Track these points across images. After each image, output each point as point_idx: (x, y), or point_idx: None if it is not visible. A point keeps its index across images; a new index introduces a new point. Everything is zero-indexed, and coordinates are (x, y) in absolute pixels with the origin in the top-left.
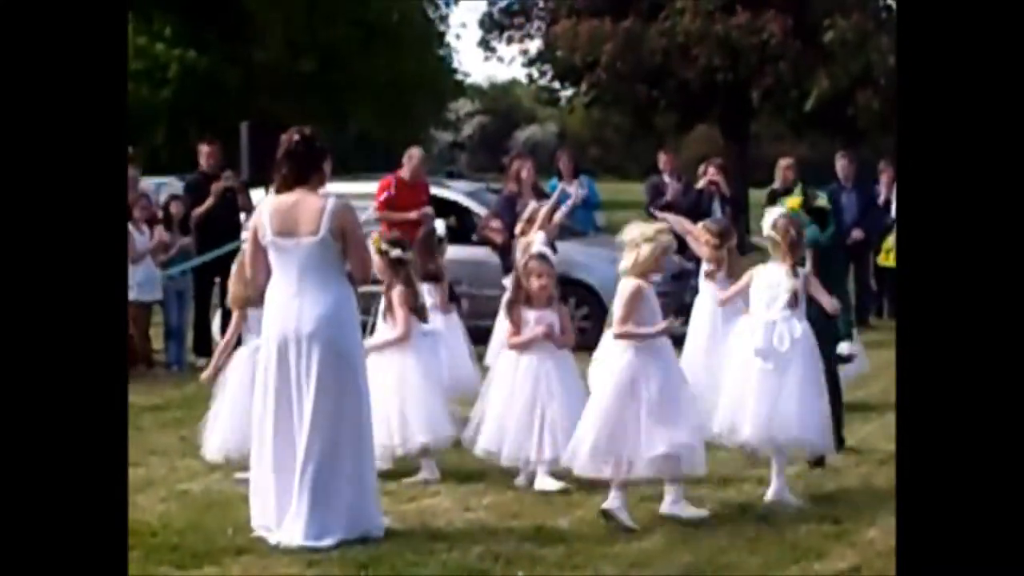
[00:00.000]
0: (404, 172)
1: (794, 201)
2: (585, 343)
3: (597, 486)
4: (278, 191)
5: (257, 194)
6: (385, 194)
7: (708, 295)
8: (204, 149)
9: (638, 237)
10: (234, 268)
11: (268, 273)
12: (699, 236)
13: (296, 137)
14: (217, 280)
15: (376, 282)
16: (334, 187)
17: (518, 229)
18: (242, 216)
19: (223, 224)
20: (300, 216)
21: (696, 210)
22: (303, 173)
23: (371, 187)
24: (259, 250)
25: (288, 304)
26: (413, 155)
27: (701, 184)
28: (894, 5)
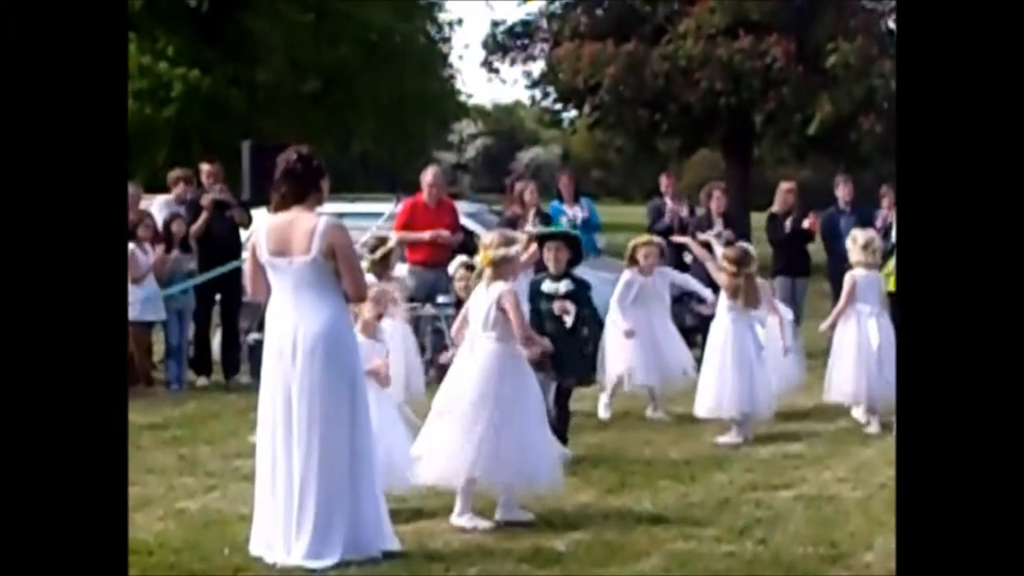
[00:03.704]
0: (424, 195)
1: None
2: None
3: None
4: (276, 210)
5: (258, 213)
6: (403, 218)
7: (725, 318)
8: (205, 168)
9: None
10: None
11: (269, 290)
12: (717, 262)
13: (294, 156)
14: (218, 298)
15: None
16: (337, 207)
17: None
18: (241, 233)
19: (224, 242)
20: (293, 236)
21: (697, 234)
22: (301, 192)
23: (373, 207)
24: (258, 268)
25: (285, 322)
26: (426, 177)
27: (714, 221)
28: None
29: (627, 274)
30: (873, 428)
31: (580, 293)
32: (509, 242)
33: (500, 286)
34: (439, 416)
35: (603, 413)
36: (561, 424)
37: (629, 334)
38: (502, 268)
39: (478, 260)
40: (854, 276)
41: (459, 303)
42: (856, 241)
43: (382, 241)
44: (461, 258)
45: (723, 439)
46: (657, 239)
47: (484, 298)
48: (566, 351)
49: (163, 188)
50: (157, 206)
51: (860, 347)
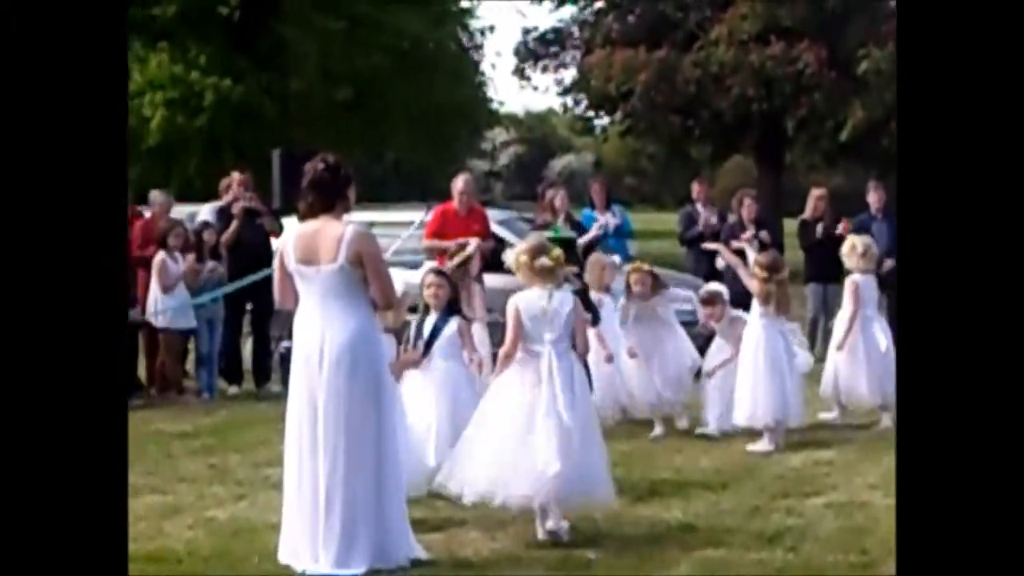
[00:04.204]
0: (454, 202)
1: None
2: None
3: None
4: (303, 218)
5: (290, 221)
6: (434, 225)
7: (757, 325)
8: (236, 177)
9: None
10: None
11: (297, 298)
12: (749, 269)
13: (320, 165)
14: (249, 307)
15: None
16: (369, 215)
17: None
18: (272, 241)
19: (255, 250)
20: (320, 244)
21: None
22: (327, 201)
23: (406, 215)
24: (285, 276)
25: (312, 330)
26: (457, 184)
27: (745, 238)
28: None
29: (622, 300)
30: (887, 423)
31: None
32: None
33: (571, 293)
34: (517, 429)
35: (658, 430)
36: None
37: (631, 353)
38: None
39: (544, 261)
40: (856, 281)
41: (426, 309)
42: (855, 248)
43: (461, 247)
44: (430, 264)
45: (754, 447)
46: (647, 267)
47: (557, 303)
48: None
49: (195, 197)
50: (206, 212)
51: (869, 350)
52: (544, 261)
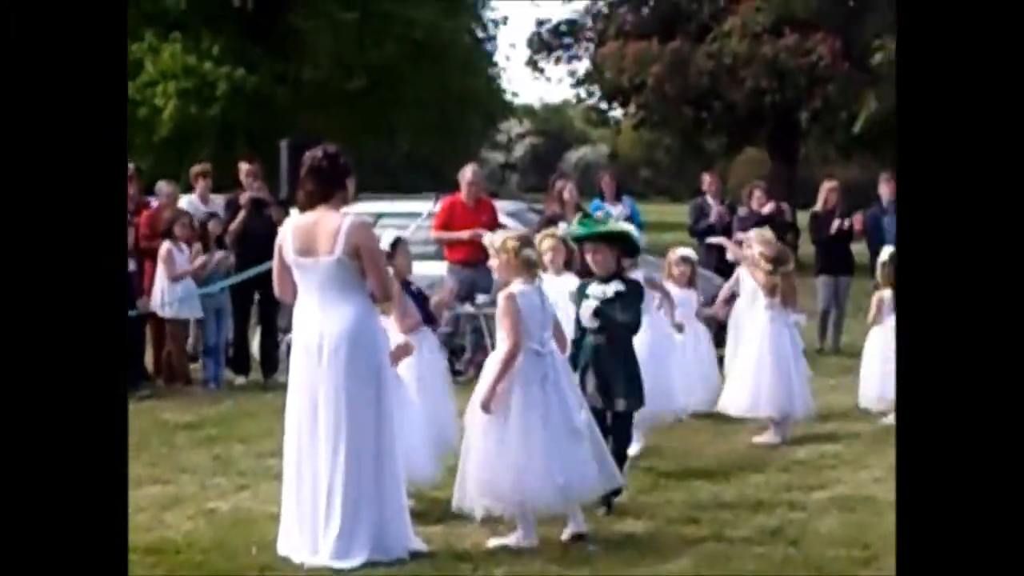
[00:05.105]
0: (462, 194)
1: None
2: None
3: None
4: (301, 209)
5: (296, 212)
6: (442, 216)
7: (763, 317)
8: (244, 167)
9: None
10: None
11: (296, 291)
12: (754, 261)
13: (319, 154)
14: (257, 297)
15: None
16: (378, 206)
17: None
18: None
19: (262, 241)
20: (319, 235)
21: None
22: (326, 191)
23: (415, 206)
24: (284, 268)
25: (311, 322)
26: (464, 175)
27: (767, 210)
28: None
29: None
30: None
31: (626, 299)
32: None
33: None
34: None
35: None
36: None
37: None
38: None
39: (530, 253)
40: (882, 296)
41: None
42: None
43: None
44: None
45: (760, 439)
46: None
47: (547, 300)
48: (611, 368)
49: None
50: (184, 205)
51: (887, 356)
52: (530, 253)
